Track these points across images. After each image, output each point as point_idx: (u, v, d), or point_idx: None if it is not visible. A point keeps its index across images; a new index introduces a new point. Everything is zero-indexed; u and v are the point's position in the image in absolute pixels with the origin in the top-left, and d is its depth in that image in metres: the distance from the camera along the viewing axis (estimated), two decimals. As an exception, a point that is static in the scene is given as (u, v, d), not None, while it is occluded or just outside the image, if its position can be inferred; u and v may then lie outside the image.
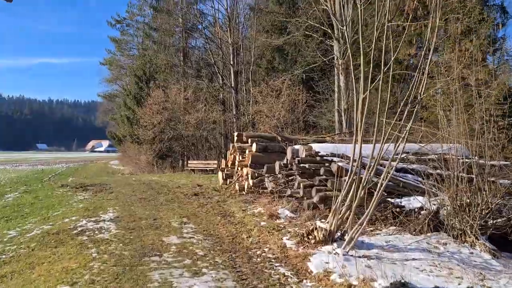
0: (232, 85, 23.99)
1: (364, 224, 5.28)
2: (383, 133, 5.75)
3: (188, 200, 11.14)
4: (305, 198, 8.33)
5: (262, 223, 7.53)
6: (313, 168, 7.84)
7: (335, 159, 7.78)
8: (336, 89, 16.39)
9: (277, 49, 26.28)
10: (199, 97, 24.59)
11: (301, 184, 8.24)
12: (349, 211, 5.64)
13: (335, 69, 16.59)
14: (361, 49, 5.82)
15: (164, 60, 26.80)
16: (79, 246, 6.12)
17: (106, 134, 40.35)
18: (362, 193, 5.53)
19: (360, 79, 5.85)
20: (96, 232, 7.05)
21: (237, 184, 12.09)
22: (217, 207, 9.79)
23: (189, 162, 23.09)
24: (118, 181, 17.50)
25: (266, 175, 10.20)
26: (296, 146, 8.86)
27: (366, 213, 5.29)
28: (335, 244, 5.47)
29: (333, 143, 10.88)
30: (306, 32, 16.07)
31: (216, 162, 22.42)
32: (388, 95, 5.68)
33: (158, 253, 5.58)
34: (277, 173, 9.31)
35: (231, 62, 24.07)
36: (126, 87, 32.19)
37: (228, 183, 13.74)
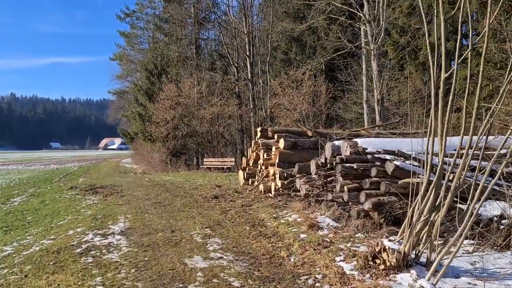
0: (249, 77, 22.62)
1: (459, 245, 3.93)
2: (471, 122, 4.31)
3: (208, 204, 9.89)
4: (349, 204, 7.02)
5: (302, 236, 6.24)
6: (361, 168, 6.50)
7: (387, 156, 6.44)
8: (364, 79, 14.98)
9: (294, 39, 24.90)
10: (213, 90, 23.31)
11: (345, 187, 6.92)
12: (428, 226, 4.31)
13: (363, 56, 15.17)
14: (441, 14, 4.41)
15: (176, 52, 25.50)
16: (82, 272, 4.89)
17: (118, 132, 39.35)
18: (447, 201, 4.18)
19: (440, 55, 4.44)
20: (104, 250, 5.82)
21: (261, 185, 10.81)
22: (243, 213, 8.52)
23: (204, 159, 21.88)
24: (130, 183, 16.34)
25: (298, 175, 8.90)
26: (337, 142, 7.53)
27: (460, 230, 3.93)
28: (413, 272, 4.15)
29: (369, 137, 9.53)
30: (332, 15, 14.63)
31: (233, 159, 21.20)
32: (481, 73, 4.23)
33: (181, 285, 4.32)
34: (313, 174, 7.99)
35: (247, 53, 22.69)
36: (137, 83, 31.01)
37: (250, 184, 12.48)
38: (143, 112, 27.12)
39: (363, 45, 14.53)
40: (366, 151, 6.74)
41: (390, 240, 4.83)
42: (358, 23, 13.73)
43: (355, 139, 7.24)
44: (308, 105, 17.36)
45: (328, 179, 7.75)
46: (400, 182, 5.96)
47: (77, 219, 8.69)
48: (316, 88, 18.22)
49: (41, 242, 6.90)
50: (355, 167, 6.50)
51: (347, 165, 6.63)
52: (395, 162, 6.02)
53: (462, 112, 4.70)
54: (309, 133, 10.09)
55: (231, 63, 24.95)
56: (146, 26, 34.70)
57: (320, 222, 6.83)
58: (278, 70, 23.93)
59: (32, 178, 24.64)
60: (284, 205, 8.83)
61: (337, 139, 9.62)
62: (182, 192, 12.20)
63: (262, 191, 10.82)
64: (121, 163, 43.93)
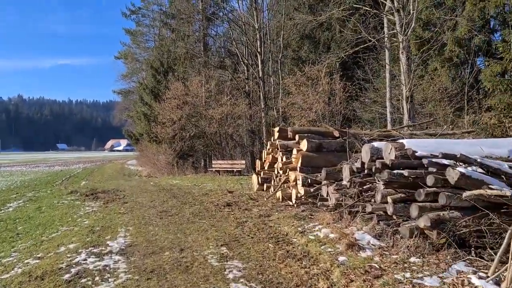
0: (260, 75, 21.45)
1: None
2: None
3: (221, 213, 8.75)
4: (394, 218, 5.84)
5: (341, 258, 5.07)
6: (412, 176, 5.32)
7: (444, 161, 5.25)
8: (387, 75, 13.78)
9: (306, 36, 23.74)
10: (222, 89, 22.16)
11: (389, 198, 5.74)
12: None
13: (386, 51, 13.96)
14: None
15: (184, 49, 24.36)
16: (65, 312, 3.76)
17: (123, 133, 38.34)
18: None
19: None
20: (97, 278, 4.69)
21: (280, 192, 9.64)
22: (262, 225, 7.36)
23: (213, 162, 20.70)
24: (134, 187, 15.23)
25: (325, 182, 7.73)
26: (377, 144, 6.36)
27: None
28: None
29: (403, 138, 8.34)
30: (354, 4, 13.44)
31: (243, 162, 20.06)
32: None
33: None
34: (345, 181, 6.81)
35: (258, 50, 21.52)
36: (143, 81, 29.91)
37: (265, 189, 11.34)
38: (148, 112, 26.01)
39: (386, 38, 13.34)
40: (416, 154, 5.56)
41: (474, 273, 3.66)
42: (382, 13, 12.52)
43: (402, 140, 6.05)
44: (325, 105, 16.18)
45: (364, 187, 6.57)
46: (466, 193, 4.77)
47: (71, 231, 7.59)
48: (332, 87, 17.05)
49: (26, 261, 5.81)
50: (405, 174, 5.31)
51: (396, 171, 5.44)
52: (460, 169, 4.83)
53: None
54: (336, 134, 8.91)
55: (241, 60, 23.77)
56: (152, 23, 33.68)
57: (359, 240, 5.66)
58: (290, 68, 22.79)
59: (34, 181, 23.73)
60: (310, 216, 7.66)
61: (368, 140, 8.45)
62: (190, 199, 11.07)
63: (280, 198, 9.66)
64: (126, 165, 42.94)
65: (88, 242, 6.44)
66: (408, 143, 5.83)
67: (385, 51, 15.13)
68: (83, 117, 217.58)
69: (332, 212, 7.22)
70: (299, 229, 6.81)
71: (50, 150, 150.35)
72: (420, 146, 5.72)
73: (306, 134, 9.09)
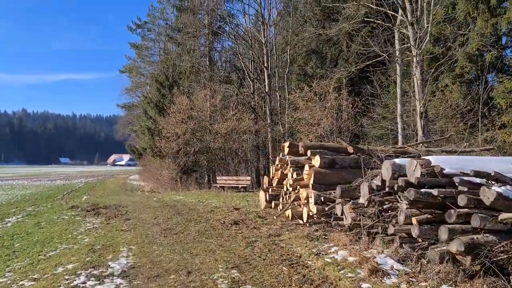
0: (266, 90, 21.16)
1: None
2: None
3: (228, 232, 8.30)
4: (418, 240, 5.40)
5: (365, 286, 4.64)
6: (441, 195, 4.90)
7: (477, 180, 4.84)
8: (398, 90, 13.44)
9: (313, 52, 23.55)
10: (228, 104, 21.84)
11: (414, 219, 5.32)
12: None
13: (397, 66, 13.66)
14: None
15: (189, 63, 24.15)
16: None
17: (126, 148, 38.01)
18: None
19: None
20: (97, 304, 4.25)
21: (290, 210, 9.19)
22: (273, 245, 6.91)
23: (217, 178, 20.27)
24: (137, 203, 14.80)
25: (340, 200, 7.30)
26: (398, 160, 5.95)
27: None
28: None
29: (420, 155, 7.94)
30: (366, 19, 13.18)
31: (248, 178, 19.62)
32: None
33: None
34: (363, 199, 6.38)
35: (265, 64, 21.28)
36: (147, 95, 29.68)
37: (274, 207, 10.89)
38: (152, 126, 25.68)
39: (397, 52, 13.04)
40: (444, 172, 5.15)
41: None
42: (395, 27, 12.23)
43: (427, 157, 5.64)
44: (333, 120, 15.84)
45: (384, 207, 6.15)
46: (503, 216, 4.35)
47: (70, 250, 7.15)
48: (340, 102, 16.74)
49: (20, 283, 5.38)
50: (434, 193, 4.89)
51: (423, 190, 5.02)
52: (496, 189, 4.41)
53: None
54: (350, 150, 8.51)
55: (247, 75, 23.52)
56: (157, 38, 33.65)
57: (381, 265, 5.21)
58: (296, 84, 22.53)
59: (35, 195, 23.36)
60: (324, 236, 7.21)
61: (384, 157, 8.06)
62: (195, 216, 10.62)
63: (290, 217, 9.21)
64: (128, 180, 42.51)
65: (88, 263, 6.00)
66: (435, 159, 5.42)
67: (395, 65, 14.85)
68: (86, 132, 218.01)
69: (348, 233, 6.79)
70: (314, 250, 6.37)
71: (53, 164, 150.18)
72: (448, 163, 5.32)
73: (318, 150, 8.70)
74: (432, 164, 5.33)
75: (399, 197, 5.77)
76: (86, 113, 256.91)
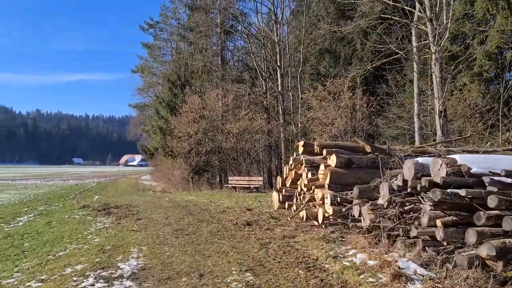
0: (279, 90, 20.89)
1: None
2: None
3: (241, 233, 8.07)
4: (443, 243, 5.10)
5: (388, 292, 4.35)
6: (469, 196, 4.60)
7: (508, 180, 4.53)
8: (415, 89, 13.09)
9: (326, 51, 23.22)
10: (240, 104, 21.62)
11: (439, 221, 5.02)
12: None
13: (414, 63, 13.30)
14: None
15: (201, 62, 23.99)
16: None
17: (138, 148, 38.02)
18: None
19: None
20: (104, 308, 4.05)
21: (304, 211, 8.92)
22: (287, 247, 6.65)
23: (229, 178, 20.07)
24: (148, 203, 14.65)
25: (357, 200, 7.02)
26: (421, 160, 5.66)
27: None
28: None
29: (439, 155, 7.60)
30: (383, 15, 12.84)
31: (260, 178, 19.37)
32: None
33: None
34: (383, 200, 6.09)
35: (278, 63, 21.01)
36: (159, 95, 29.62)
37: (287, 208, 10.64)
38: (164, 126, 25.57)
39: (414, 49, 12.68)
40: (472, 171, 4.85)
41: None
42: (413, 23, 11.88)
43: (453, 156, 5.34)
44: (348, 119, 15.52)
45: (405, 208, 5.86)
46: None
47: (80, 250, 6.99)
48: (354, 101, 16.42)
49: (27, 284, 5.22)
50: (462, 193, 4.60)
51: (449, 191, 4.73)
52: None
53: None
54: (367, 149, 8.22)
55: (259, 74, 23.26)
56: (169, 37, 33.62)
57: (404, 269, 4.92)
58: (309, 83, 22.22)
59: (48, 194, 23.42)
60: (340, 238, 6.94)
61: (404, 157, 7.75)
62: (207, 216, 10.41)
63: (305, 218, 8.95)
64: (140, 180, 42.57)
65: (97, 264, 5.82)
66: (461, 158, 5.12)
67: (411, 63, 14.49)
68: (99, 132, 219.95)
69: (366, 235, 6.51)
70: (331, 253, 6.10)
71: (66, 164, 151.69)
72: (475, 162, 5.02)
73: (334, 149, 8.42)
74: (458, 163, 5.03)
75: (422, 198, 5.48)
76: (98, 114, 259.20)
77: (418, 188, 5.38)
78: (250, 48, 23.24)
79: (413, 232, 5.32)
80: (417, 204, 5.71)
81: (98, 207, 13.33)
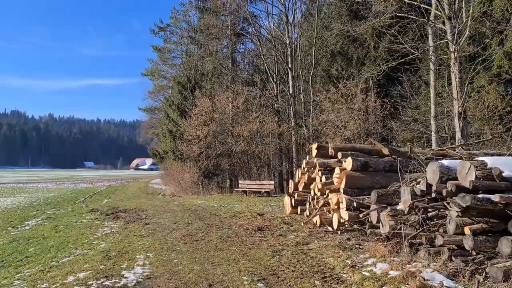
0: (290, 92, 20.55)
1: None
2: None
3: (252, 239, 7.73)
4: (472, 253, 4.70)
5: (413, 306, 3.97)
6: (503, 202, 4.20)
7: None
8: (432, 90, 12.66)
9: (339, 53, 22.84)
10: (251, 106, 21.30)
11: (468, 229, 4.63)
12: None
13: (431, 64, 12.88)
14: None
15: (211, 65, 23.76)
16: None
17: (148, 152, 37.91)
18: None
19: None
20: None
21: (318, 216, 8.54)
22: (301, 255, 6.29)
23: (240, 182, 19.72)
24: (157, 207, 14.39)
25: (375, 206, 6.63)
26: (447, 162, 5.26)
27: None
28: None
29: (461, 158, 7.18)
30: (399, 14, 12.45)
31: (272, 182, 18.98)
32: None
33: None
34: (404, 205, 5.71)
35: (289, 66, 20.68)
36: (169, 98, 29.43)
37: (300, 213, 10.27)
38: (174, 129, 25.34)
39: (431, 49, 12.26)
40: (504, 175, 4.45)
41: None
42: (430, 22, 11.46)
43: (482, 158, 4.95)
44: (361, 122, 15.11)
45: (429, 214, 5.47)
46: None
47: (85, 256, 6.71)
48: (367, 104, 16.00)
49: (26, 294, 4.92)
50: (495, 199, 4.20)
51: (481, 196, 4.34)
52: None
53: None
54: (385, 151, 7.83)
55: (270, 76, 22.94)
56: (179, 40, 33.46)
57: (429, 280, 4.53)
58: (321, 86, 21.84)
59: (57, 198, 23.34)
60: (357, 246, 6.56)
61: (426, 160, 7.36)
62: (217, 221, 10.09)
63: (318, 223, 8.57)
64: (150, 184, 42.47)
65: (101, 271, 5.52)
66: (491, 161, 4.72)
67: (426, 64, 14.05)
68: (110, 136, 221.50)
69: (386, 243, 6.12)
70: (348, 261, 5.72)
71: (78, 168, 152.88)
72: (507, 165, 4.62)
73: (349, 152, 8.05)
74: (488, 166, 4.63)
75: (448, 203, 5.10)
76: (110, 118, 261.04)
77: (444, 193, 4.99)
78: (261, 50, 22.95)
79: (439, 241, 4.92)
80: (441, 210, 5.32)
81: (107, 211, 13.12)
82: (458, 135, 10.21)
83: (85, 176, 70.70)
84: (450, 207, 4.98)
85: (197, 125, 20.95)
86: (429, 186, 5.30)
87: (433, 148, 9.49)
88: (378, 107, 15.82)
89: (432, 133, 12.57)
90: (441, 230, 5.19)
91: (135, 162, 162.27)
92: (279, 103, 22.36)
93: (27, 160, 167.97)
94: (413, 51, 12.72)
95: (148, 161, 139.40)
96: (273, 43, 21.86)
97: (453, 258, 4.90)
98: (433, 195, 5.25)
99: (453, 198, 4.90)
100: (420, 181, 5.78)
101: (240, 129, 19.93)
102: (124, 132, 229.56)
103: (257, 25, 23.84)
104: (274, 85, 22.85)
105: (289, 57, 20.89)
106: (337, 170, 8.03)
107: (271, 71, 22.98)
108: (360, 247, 6.47)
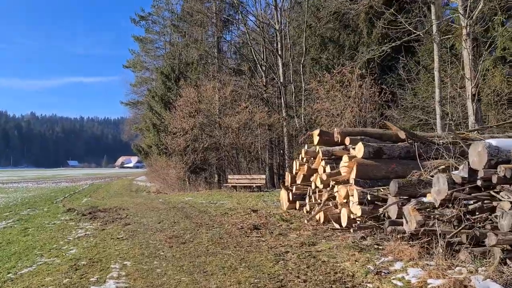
0: (281, 81, 19.45)
1: None
2: None
3: (248, 239, 6.67)
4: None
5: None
6: None
7: None
8: (436, 73, 11.71)
9: (330, 40, 21.86)
10: (238, 97, 20.15)
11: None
12: None
13: (434, 45, 11.93)
14: None
15: (197, 52, 22.47)
16: None
17: (132, 148, 36.43)
18: None
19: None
20: None
21: (322, 212, 7.49)
22: (310, 259, 5.25)
23: (229, 177, 18.61)
24: (140, 205, 13.21)
25: (394, 198, 5.62)
26: (495, 142, 4.25)
27: None
28: None
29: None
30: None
31: (263, 176, 17.93)
32: None
33: None
34: (438, 198, 4.68)
35: (279, 52, 19.58)
36: (152, 89, 28.02)
37: (298, 208, 9.24)
38: (157, 122, 24.03)
39: (434, 29, 11.30)
40: None
41: None
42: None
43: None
44: (358, 110, 14.15)
45: (470, 208, 4.45)
46: None
47: (49, 266, 5.57)
48: (363, 91, 15.02)
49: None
50: None
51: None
52: None
53: None
54: (401, 135, 6.81)
55: (259, 64, 21.77)
56: (162, 30, 31.97)
57: (483, 293, 3.52)
58: (313, 75, 20.85)
59: (35, 197, 21.94)
60: (376, 246, 5.54)
61: (443, 145, 6.40)
62: (207, 219, 8.99)
63: (322, 220, 7.53)
64: (134, 181, 41.07)
65: (64, 287, 4.38)
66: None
67: (426, 46, 13.09)
68: (94, 134, 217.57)
69: (411, 242, 5.11)
70: (369, 266, 4.70)
71: (61, 167, 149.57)
72: None
73: (359, 137, 7.01)
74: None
75: (497, 192, 4.09)
76: (94, 116, 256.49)
77: (494, 180, 3.97)
78: (248, 37, 21.76)
79: (491, 240, 3.90)
80: (485, 202, 4.31)
81: (84, 211, 11.93)
82: (471, 118, 9.27)
83: (67, 175, 68.68)
84: (502, 197, 3.97)
85: (182, 116, 19.71)
86: (472, 171, 4.28)
87: (448, 132, 8.53)
88: (377, 93, 14.87)
89: (437, 118, 11.65)
90: (488, 226, 4.18)
91: (120, 160, 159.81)
92: (269, 92, 21.25)
93: (9, 159, 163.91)
94: (414, 31, 11.75)
95: (134, 159, 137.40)
96: (261, 28, 20.70)
97: (508, 261, 3.91)
98: (479, 182, 4.24)
99: (505, 186, 3.90)
100: (444, 168, 4.77)
101: (228, 120, 18.77)
102: (108, 130, 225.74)
103: (244, 10, 22.64)
104: (263, 74, 21.72)
105: (278, 43, 19.79)
106: (345, 158, 6.97)
107: (260, 59, 21.82)
108: (380, 247, 5.46)
